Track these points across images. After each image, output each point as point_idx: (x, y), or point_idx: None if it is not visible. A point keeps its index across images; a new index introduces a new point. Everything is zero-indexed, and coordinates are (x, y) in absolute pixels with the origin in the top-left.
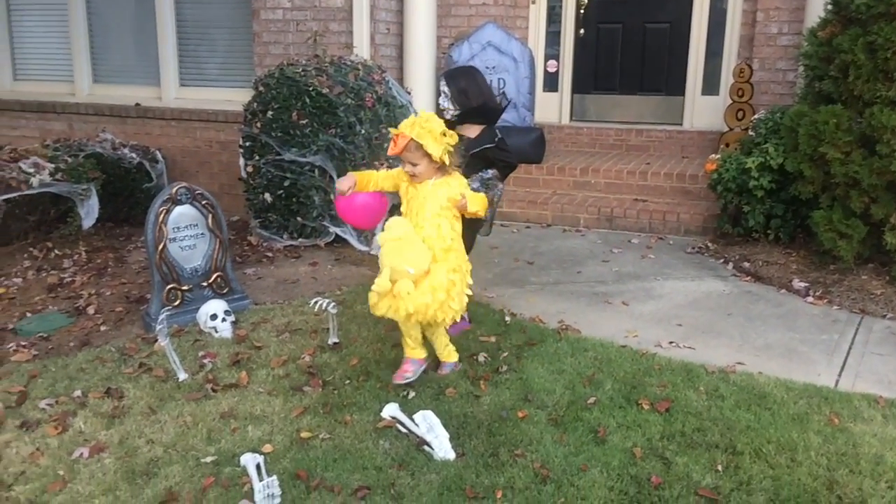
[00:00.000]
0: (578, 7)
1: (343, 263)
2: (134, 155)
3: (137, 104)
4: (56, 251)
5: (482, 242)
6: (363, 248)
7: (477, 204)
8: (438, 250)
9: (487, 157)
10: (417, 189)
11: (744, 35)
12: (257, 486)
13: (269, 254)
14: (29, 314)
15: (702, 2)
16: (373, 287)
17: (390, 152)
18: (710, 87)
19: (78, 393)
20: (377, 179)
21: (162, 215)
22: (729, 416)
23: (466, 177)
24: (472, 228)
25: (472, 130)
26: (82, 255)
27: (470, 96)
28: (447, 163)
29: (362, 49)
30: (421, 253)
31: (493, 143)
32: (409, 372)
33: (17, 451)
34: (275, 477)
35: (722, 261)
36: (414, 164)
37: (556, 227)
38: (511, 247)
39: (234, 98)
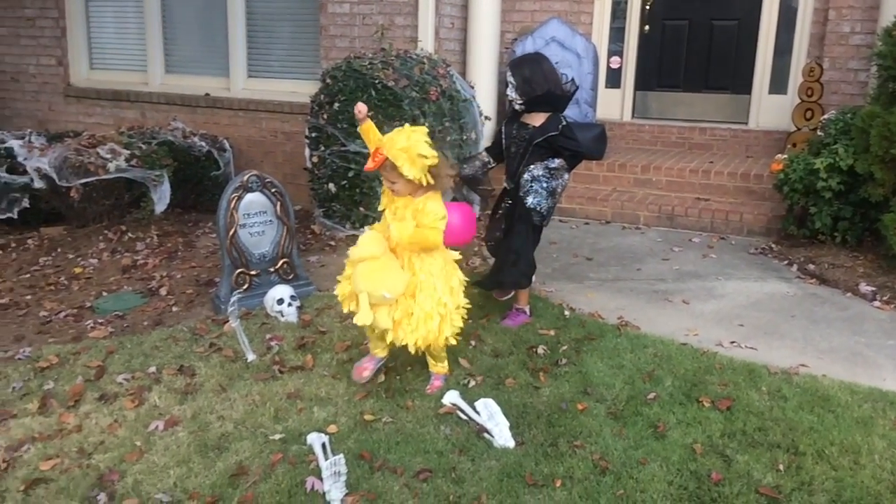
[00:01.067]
0: (644, 3)
1: None
2: (203, 143)
3: (207, 94)
4: (129, 234)
5: (542, 237)
6: None
7: (403, 234)
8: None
9: (553, 146)
10: (396, 202)
11: (814, 33)
12: (324, 463)
13: (332, 242)
14: (105, 293)
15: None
16: (355, 320)
17: (367, 168)
18: (778, 85)
19: (153, 369)
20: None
21: (234, 202)
22: (791, 417)
23: (530, 165)
24: (528, 221)
25: (538, 119)
26: (154, 238)
27: (534, 84)
28: (425, 183)
29: (427, 43)
30: (396, 274)
31: (557, 130)
32: (367, 370)
33: (97, 422)
34: (341, 455)
35: (786, 262)
36: (392, 182)
37: (616, 225)
38: (570, 242)
39: (299, 90)
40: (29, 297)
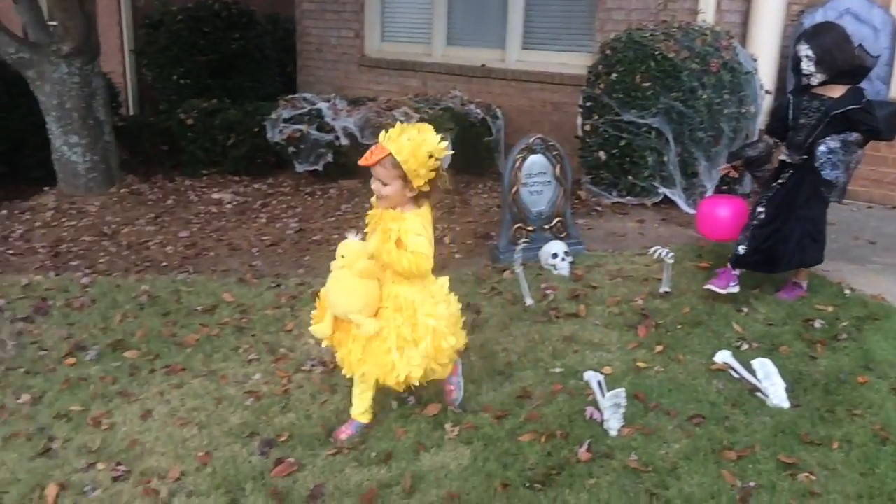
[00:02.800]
0: None
1: (669, 223)
2: (479, 111)
3: (483, 65)
4: None
5: None
6: (691, 210)
7: (400, 261)
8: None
9: (850, 119)
10: (381, 213)
11: None
12: (607, 394)
13: (598, 208)
14: None
15: None
16: (312, 331)
17: (361, 162)
18: None
19: None
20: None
21: (518, 162)
22: None
23: (825, 137)
24: (820, 197)
25: (836, 90)
26: None
27: (836, 55)
28: (423, 191)
29: (708, 15)
30: (363, 289)
31: (860, 104)
32: (344, 434)
33: None
34: (623, 389)
35: None
36: (384, 183)
37: None
38: (850, 225)
39: (571, 62)
40: (336, 236)
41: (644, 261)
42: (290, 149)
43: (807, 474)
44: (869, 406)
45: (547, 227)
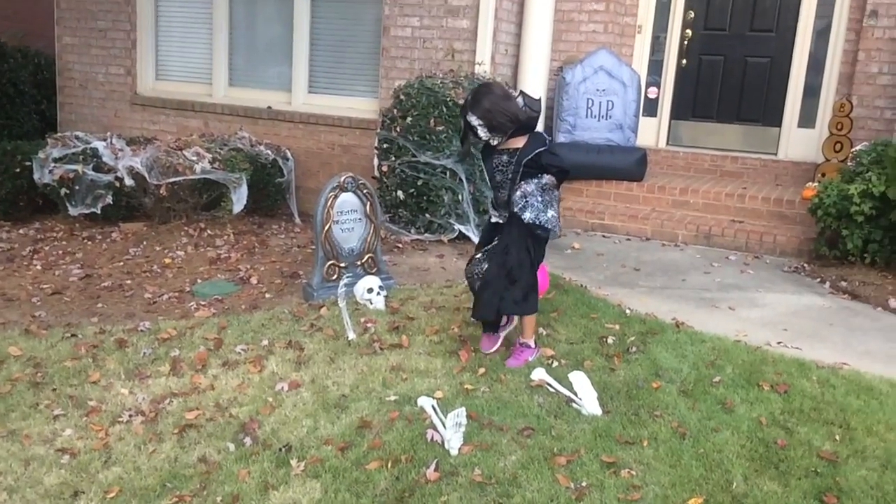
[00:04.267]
0: (682, 39)
1: (465, 257)
2: (269, 152)
3: (269, 107)
4: (208, 231)
5: (588, 249)
6: None
7: None
8: None
9: (539, 164)
10: None
11: (843, 73)
12: (446, 416)
13: (399, 245)
14: (199, 280)
15: (803, 40)
16: None
17: None
18: (807, 120)
19: (265, 342)
20: None
21: (330, 200)
22: (841, 401)
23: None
24: (528, 243)
25: (518, 141)
26: (230, 236)
27: (498, 117)
28: None
29: (485, 66)
30: None
31: (545, 146)
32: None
33: (226, 382)
34: (463, 409)
35: (818, 280)
36: None
37: (656, 241)
38: (615, 255)
39: (357, 106)
40: (129, 281)
41: (452, 292)
42: (63, 190)
43: (627, 471)
44: (665, 407)
45: (359, 263)
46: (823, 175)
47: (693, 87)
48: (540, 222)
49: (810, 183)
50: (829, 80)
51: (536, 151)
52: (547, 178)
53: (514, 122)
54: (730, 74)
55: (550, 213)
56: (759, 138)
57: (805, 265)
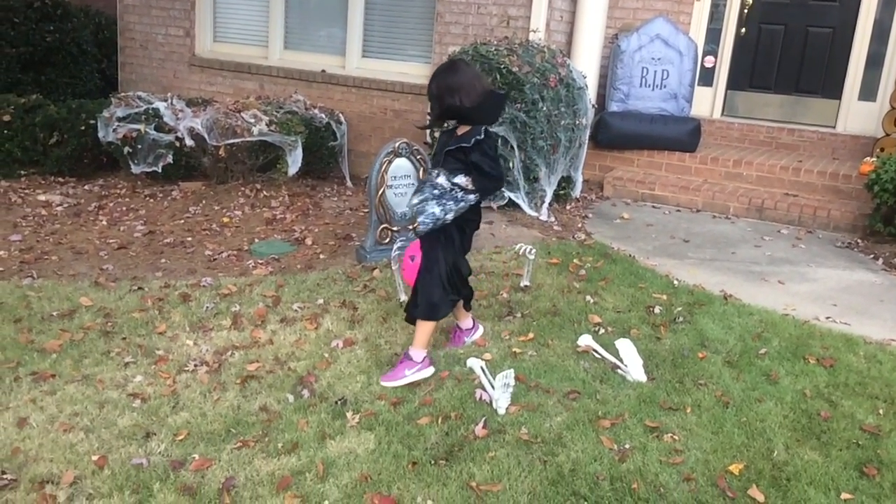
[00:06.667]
0: (742, 7)
1: (515, 224)
2: (323, 115)
3: (323, 70)
4: (263, 192)
5: (637, 220)
6: (533, 212)
7: None
8: None
9: (468, 160)
10: None
11: None
12: (494, 377)
13: None
14: (256, 240)
15: (868, 10)
16: None
17: None
18: (868, 93)
19: (320, 301)
20: None
21: (385, 165)
22: (887, 377)
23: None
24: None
25: (462, 129)
26: (285, 197)
27: (443, 97)
28: None
29: (540, 33)
30: None
31: (471, 143)
32: None
33: (284, 338)
34: (512, 370)
35: (872, 256)
36: None
37: (706, 213)
38: (665, 226)
39: (410, 71)
40: (190, 238)
41: (501, 258)
42: (126, 149)
43: (670, 435)
44: (710, 377)
45: (410, 227)
46: (882, 150)
47: (751, 57)
48: (416, 213)
49: (868, 158)
50: (893, 53)
51: (461, 145)
52: (463, 179)
53: (448, 110)
54: (790, 44)
55: (432, 209)
56: (818, 111)
57: (859, 241)
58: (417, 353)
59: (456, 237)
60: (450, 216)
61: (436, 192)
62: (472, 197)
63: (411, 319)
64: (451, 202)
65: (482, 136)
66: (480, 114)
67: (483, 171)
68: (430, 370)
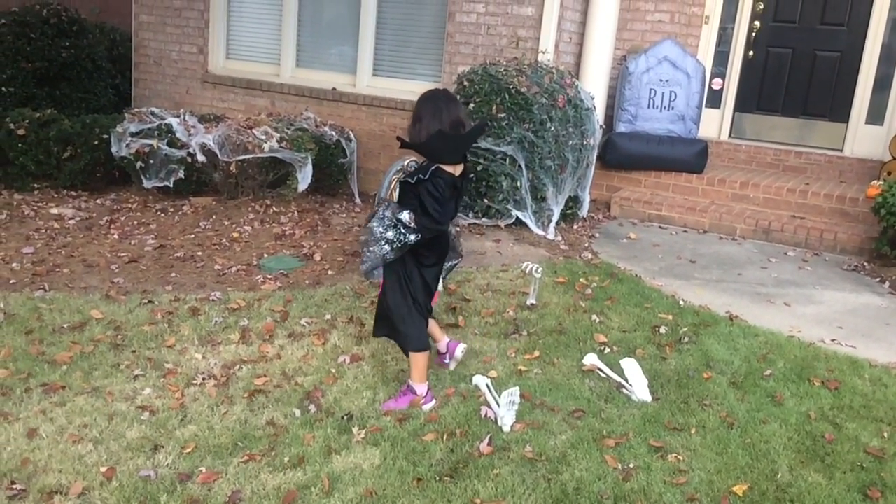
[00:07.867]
0: (751, 30)
1: (522, 243)
2: (333, 133)
3: (334, 88)
4: (273, 208)
5: (644, 240)
6: (540, 231)
7: None
8: None
9: (416, 194)
10: None
11: None
12: (500, 394)
13: (457, 228)
14: (265, 255)
15: (875, 35)
16: None
17: None
18: (875, 116)
19: (328, 317)
20: None
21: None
22: (892, 400)
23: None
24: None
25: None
26: (294, 213)
27: (415, 127)
28: None
29: (549, 54)
30: None
31: (415, 179)
32: None
33: (292, 353)
34: (517, 388)
35: (878, 279)
36: None
37: (713, 234)
38: (672, 246)
39: (420, 90)
40: (200, 252)
41: (508, 276)
42: (139, 164)
43: (674, 455)
44: (714, 397)
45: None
46: (889, 174)
47: (759, 80)
48: (373, 235)
49: (875, 181)
50: None
51: (407, 177)
52: (407, 216)
53: (410, 136)
54: (797, 68)
55: (386, 232)
56: (825, 134)
57: (865, 264)
58: (419, 386)
59: (415, 275)
60: (390, 256)
61: (381, 228)
62: (412, 237)
63: (378, 335)
64: (395, 240)
65: (426, 176)
66: (430, 150)
67: (425, 210)
68: (433, 404)
